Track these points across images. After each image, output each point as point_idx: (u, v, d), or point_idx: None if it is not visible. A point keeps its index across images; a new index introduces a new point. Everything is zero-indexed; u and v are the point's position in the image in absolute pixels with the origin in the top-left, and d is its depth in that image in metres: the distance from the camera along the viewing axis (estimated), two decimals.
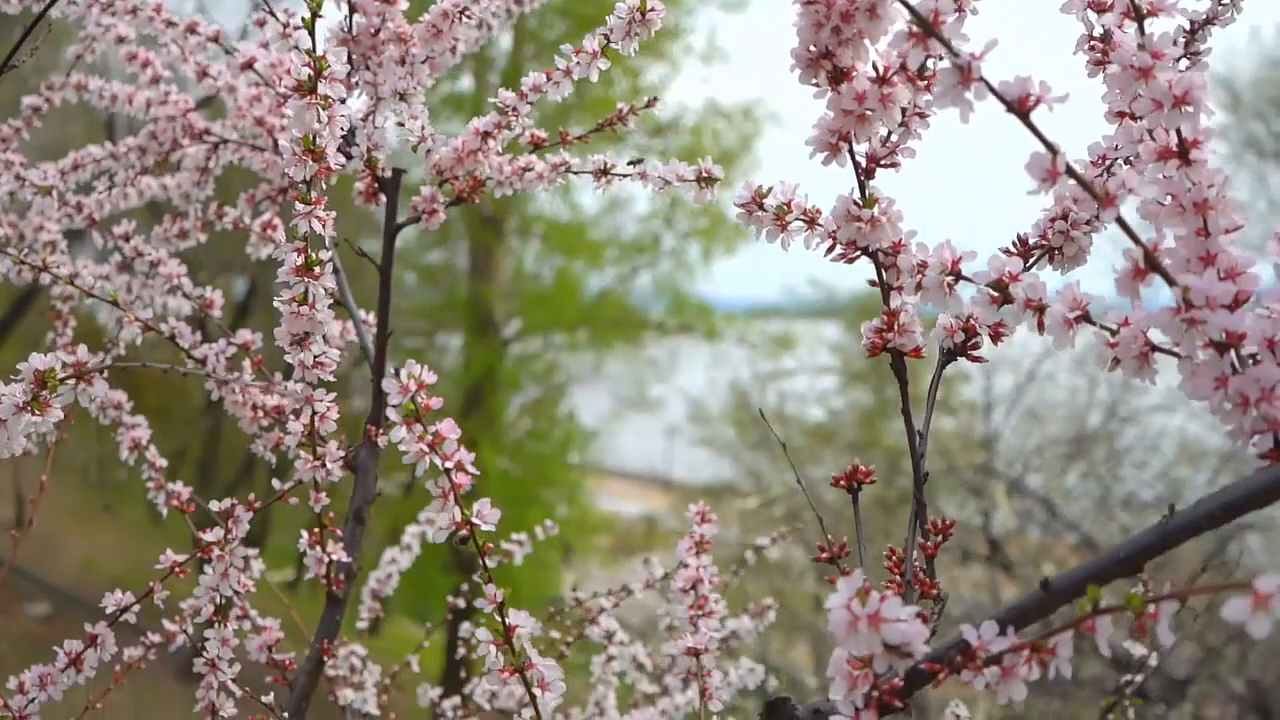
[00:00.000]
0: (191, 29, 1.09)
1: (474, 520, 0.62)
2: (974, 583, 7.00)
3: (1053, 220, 0.67)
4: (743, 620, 1.42)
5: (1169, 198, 0.53)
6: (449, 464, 0.61)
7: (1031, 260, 0.68)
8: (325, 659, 0.98)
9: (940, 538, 0.62)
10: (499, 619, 0.64)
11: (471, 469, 0.62)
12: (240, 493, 1.00)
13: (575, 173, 0.95)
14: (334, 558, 0.96)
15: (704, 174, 0.82)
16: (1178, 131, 0.53)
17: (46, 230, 1.26)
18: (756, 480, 9.54)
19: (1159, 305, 0.53)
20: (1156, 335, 0.54)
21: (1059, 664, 0.49)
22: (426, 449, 0.61)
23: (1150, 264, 0.51)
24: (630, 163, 0.95)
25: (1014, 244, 0.68)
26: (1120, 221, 0.51)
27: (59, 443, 1.26)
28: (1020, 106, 0.50)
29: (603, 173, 0.93)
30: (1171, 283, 0.51)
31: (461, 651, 1.35)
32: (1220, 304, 0.50)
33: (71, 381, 0.66)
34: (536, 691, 0.63)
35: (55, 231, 1.26)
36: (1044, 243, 0.68)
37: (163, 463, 1.09)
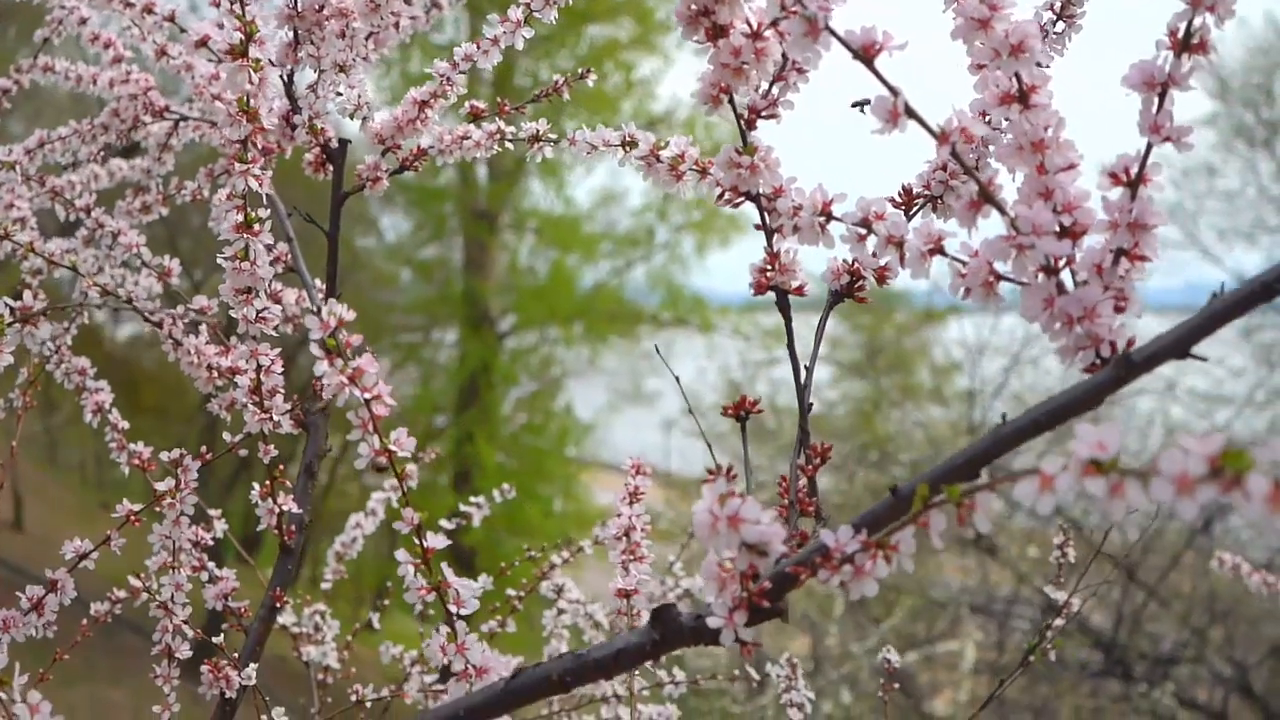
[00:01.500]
0: (148, 9, 1.13)
1: (391, 447, 0.67)
2: (965, 569, 7.07)
3: (934, 170, 0.72)
4: (695, 579, 1.47)
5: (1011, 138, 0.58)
6: (369, 395, 0.66)
7: (915, 208, 0.73)
8: (278, 606, 1.03)
9: (820, 460, 0.67)
10: (417, 541, 0.69)
11: (389, 400, 0.67)
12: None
13: (511, 140, 1.00)
14: (285, 509, 1.01)
15: (628, 139, 0.87)
16: (1017, 77, 0.58)
17: (16, 208, 1.31)
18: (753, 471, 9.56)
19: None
20: (1001, 266, 0.59)
21: (901, 559, 0.54)
22: (347, 381, 0.66)
23: (985, 197, 0.56)
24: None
25: (899, 193, 0.73)
26: (956, 157, 0.56)
27: (27, 410, 1.30)
28: (866, 54, 0.55)
29: (535, 139, 0.98)
30: (1004, 213, 0.56)
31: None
32: (1046, 231, 0.55)
33: (18, 325, 0.71)
34: (452, 608, 0.69)
35: (25, 209, 1.31)
36: (926, 191, 0.72)
37: (125, 425, 1.14)
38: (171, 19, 1.14)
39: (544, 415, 11.96)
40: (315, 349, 0.66)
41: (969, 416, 8.00)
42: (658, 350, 1.03)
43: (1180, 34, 0.56)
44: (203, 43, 1.08)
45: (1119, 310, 0.56)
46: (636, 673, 1.11)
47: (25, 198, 1.30)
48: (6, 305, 0.71)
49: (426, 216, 11.90)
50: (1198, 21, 0.56)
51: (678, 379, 0.92)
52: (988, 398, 7.79)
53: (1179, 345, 0.52)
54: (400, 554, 0.69)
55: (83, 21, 1.24)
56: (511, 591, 1.33)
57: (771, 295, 0.72)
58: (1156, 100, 0.56)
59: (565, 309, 11.71)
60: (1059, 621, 1.10)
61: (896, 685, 1.17)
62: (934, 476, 0.55)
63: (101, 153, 1.23)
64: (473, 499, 1.45)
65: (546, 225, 12.13)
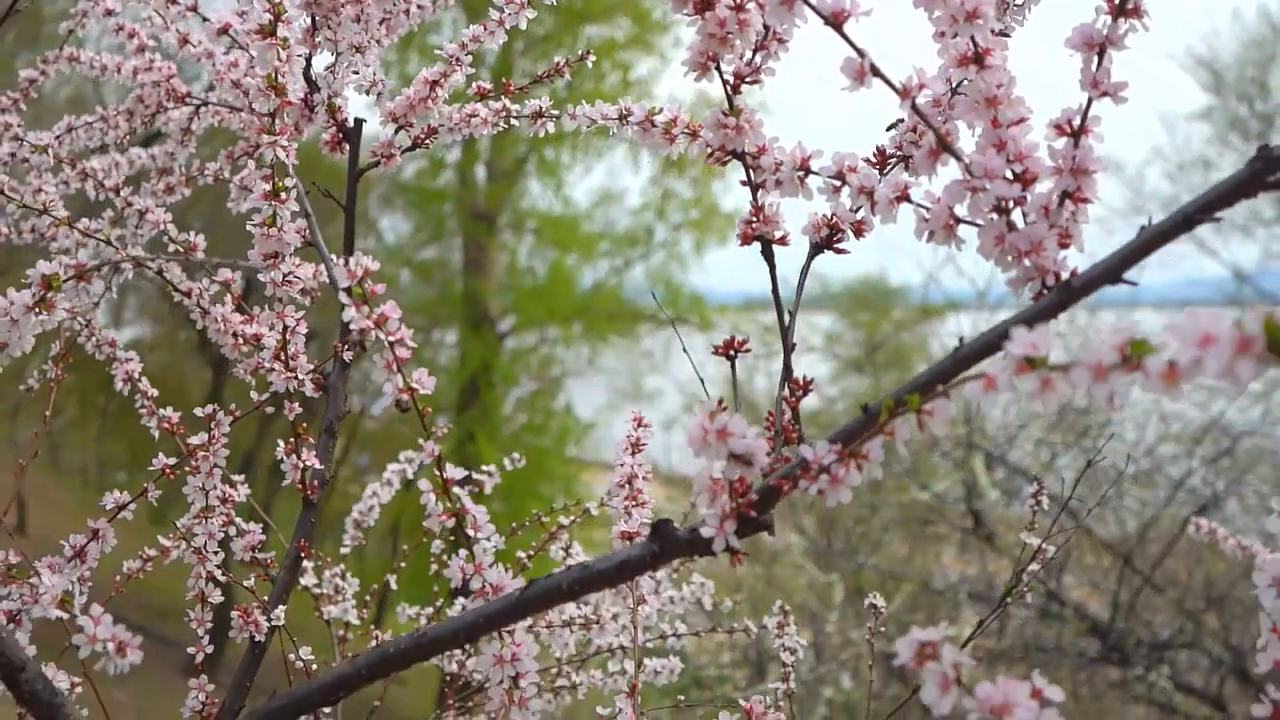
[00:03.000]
0: (171, 0, 1.20)
1: (414, 385, 0.74)
2: (964, 560, 7.15)
3: (904, 132, 0.79)
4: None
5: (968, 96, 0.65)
6: (393, 339, 0.73)
7: (889, 166, 0.80)
8: (302, 556, 1.10)
9: (802, 392, 0.74)
10: (437, 472, 0.76)
11: (411, 343, 0.74)
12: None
13: (516, 118, 1.07)
14: (309, 465, 1.08)
15: (624, 111, 0.94)
16: (973, 41, 0.65)
17: (44, 192, 1.38)
18: None
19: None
20: (960, 210, 0.66)
21: (870, 467, 0.61)
22: (373, 325, 0.73)
23: (942, 145, 0.63)
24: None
25: (874, 153, 0.80)
26: (917, 110, 0.63)
27: (58, 383, 1.37)
28: (836, 20, 0.62)
29: (538, 115, 1.05)
30: (960, 160, 0.63)
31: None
32: (998, 175, 0.62)
33: (73, 281, 0.77)
34: (471, 532, 0.76)
35: (53, 193, 1.38)
36: (898, 151, 0.79)
37: (154, 392, 1.21)
38: (194, 9, 1.20)
39: (544, 415, 12.02)
40: (344, 297, 0.73)
41: (969, 417, 8.06)
42: (673, 324, 1.09)
43: (1119, 0, 0.63)
44: (224, 30, 1.16)
45: (1064, 246, 0.63)
46: (641, 626, 1.18)
47: (51, 183, 1.37)
48: (61, 263, 0.77)
49: (426, 218, 11.96)
50: None
51: (701, 377, 0.96)
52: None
53: (1111, 273, 0.59)
54: (423, 483, 0.76)
55: (109, 13, 1.30)
56: (521, 553, 1.40)
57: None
58: (1096, 58, 0.63)
59: (564, 309, 11.78)
60: (1034, 566, 1.17)
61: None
62: (899, 393, 0.62)
63: (127, 138, 1.30)
64: (484, 467, 1.52)
65: (545, 225, 12.20)
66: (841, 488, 0.63)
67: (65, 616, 0.74)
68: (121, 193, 1.24)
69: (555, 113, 1.03)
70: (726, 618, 1.47)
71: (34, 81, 1.43)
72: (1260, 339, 0.39)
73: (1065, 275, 0.61)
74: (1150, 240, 0.58)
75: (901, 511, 6.98)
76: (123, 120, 1.31)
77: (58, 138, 1.30)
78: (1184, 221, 0.57)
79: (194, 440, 1.00)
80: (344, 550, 1.55)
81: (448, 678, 1.46)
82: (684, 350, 1.07)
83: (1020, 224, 0.63)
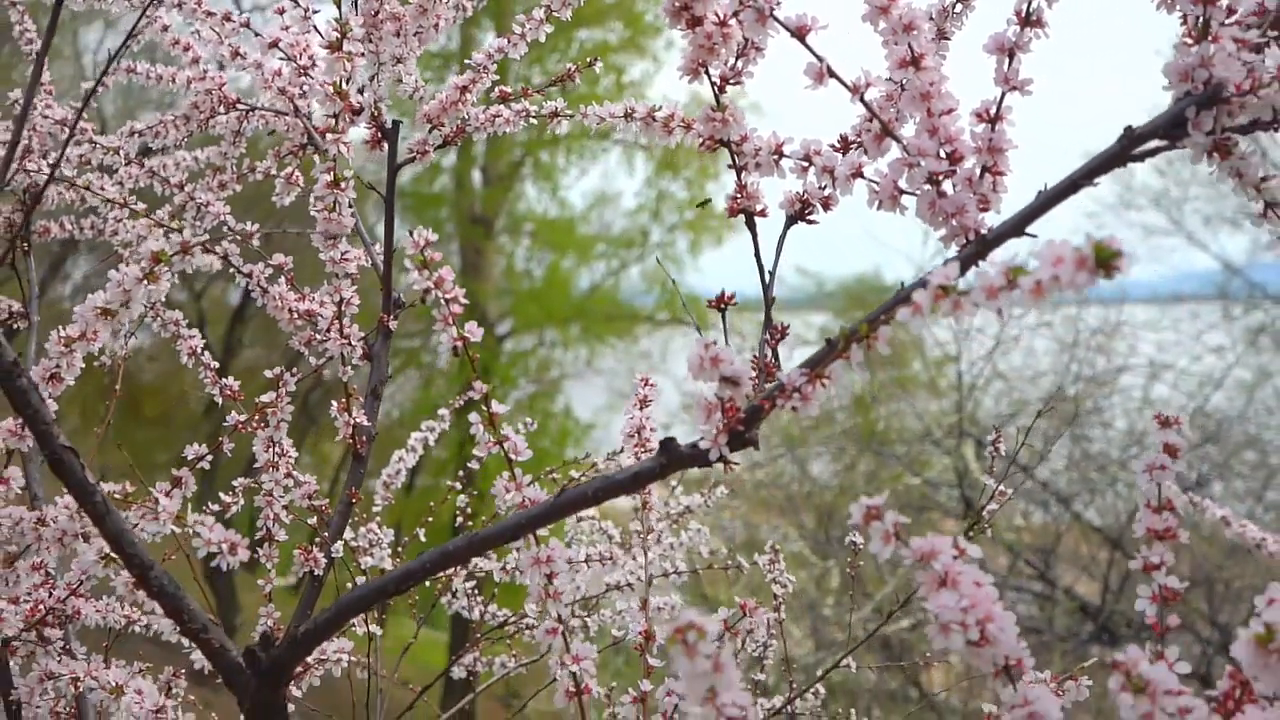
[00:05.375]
0: (226, 18, 1.37)
1: (465, 334, 0.90)
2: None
3: (862, 122, 0.95)
4: (694, 497, 1.71)
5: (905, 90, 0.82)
6: (448, 296, 0.90)
7: (851, 151, 0.96)
8: (353, 501, 1.26)
9: (780, 336, 0.91)
10: (485, 408, 0.92)
11: (463, 300, 0.90)
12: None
13: (534, 118, 1.24)
14: (358, 422, 1.25)
15: (629, 110, 1.11)
16: (910, 47, 0.81)
17: (105, 190, 1.54)
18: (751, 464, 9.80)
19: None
20: (903, 183, 0.83)
21: (832, 385, 0.78)
22: (433, 285, 0.89)
23: (885, 131, 0.79)
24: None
25: (838, 139, 0.97)
26: (865, 105, 0.79)
27: (122, 365, 1.54)
28: (800, 33, 0.79)
29: (554, 115, 1.22)
30: (899, 142, 0.79)
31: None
32: (929, 154, 0.78)
33: (179, 256, 0.94)
34: (512, 456, 0.92)
35: (114, 191, 1.55)
36: (858, 139, 0.96)
37: (215, 364, 1.37)
38: (246, 25, 1.37)
39: (543, 417, 12.16)
40: (409, 262, 0.89)
41: (960, 405, 8.25)
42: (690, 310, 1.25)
43: (1024, 13, 0.80)
44: (274, 44, 1.32)
45: (983, 209, 0.79)
46: (650, 562, 1.34)
47: (111, 183, 1.54)
48: (168, 238, 0.93)
49: (423, 222, 12.08)
50: (1035, 4, 0.80)
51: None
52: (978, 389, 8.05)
53: (1016, 228, 0.75)
54: (473, 416, 0.92)
55: (165, 29, 1.47)
56: None
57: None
58: (1007, 59, 0.80)
59: (562, 311, 11.93)
60: (992, 506, 1.33)
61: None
62: (853, 326, 0.78)
63: (184, 140, 1.46)
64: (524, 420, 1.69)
65: (542, 228, 12.35)
66: (810, 403, 0.79)
67: (178, 531, 0.91)
68: (185, 188, 1.40)
69: (569, 113, 1.20)
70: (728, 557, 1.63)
71: (94, 93, 1.59)
72: (1091, 258, 0.56)
73: (984, 233, 0.77)
74: (1044, 202, 0.74)
75: (896, 499, 7.16)
76: (180, 124, 1.47)
77: (125, 140, 1.46)
78: (1071, 185, 0.74)
79: (263, 398, 1.16)
80: (375, 509, 1.71)
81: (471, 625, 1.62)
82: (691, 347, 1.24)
83: (950, 192, 0.79)
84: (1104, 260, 0.56)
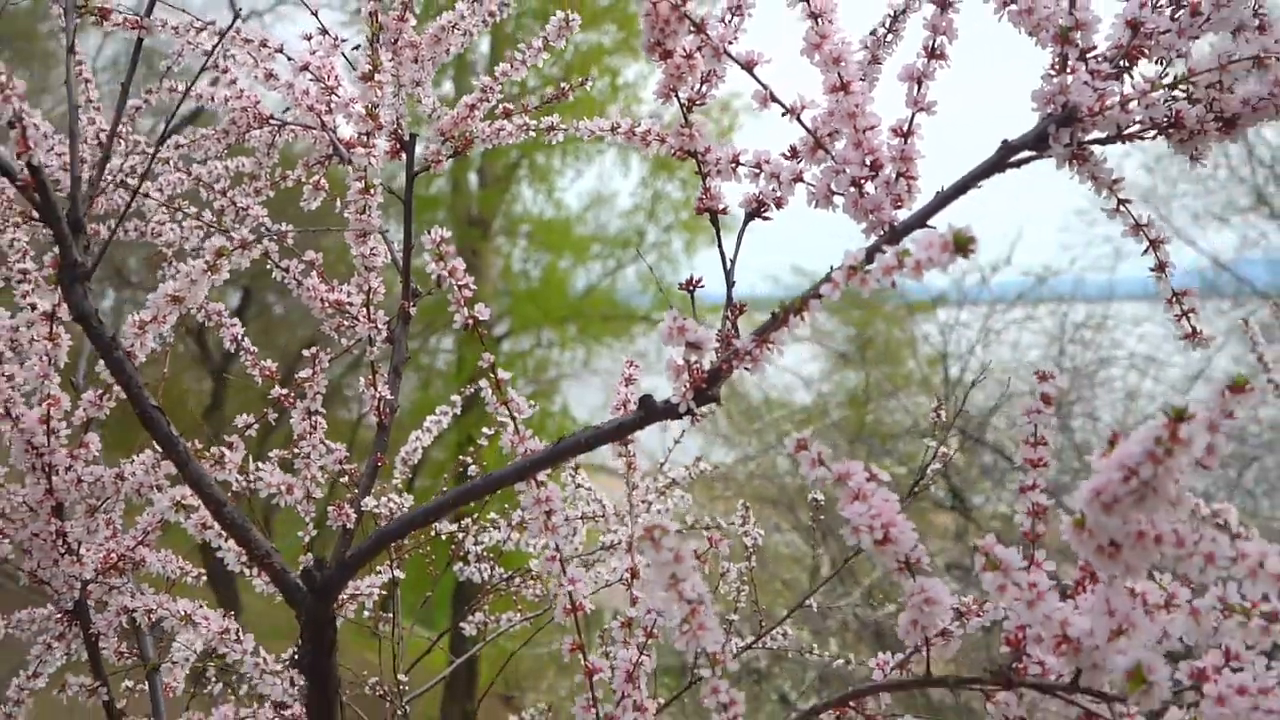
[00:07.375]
0: (263, 44, 1.56)
1: (475, 314, 1.09)
2: (942, 531, 7.53)
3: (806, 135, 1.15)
4: (679, 469, 1.90)
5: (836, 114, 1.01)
6: (460, 282, 1.09)
7: (798, 159, 1.15)
8: (379, 466, 1.45)
9: (740, 311, 1.10)
10: (493, 374, 1.11)
11: (472, 286, 1.09)
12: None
13: (534, 131, 1.43)
14: (383, 395, 1.44)
15: (615, 125, 1.30)
16: (839, 75, 1.01)
17: (151, 196, 1.73)
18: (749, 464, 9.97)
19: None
20: (834, 186, 1.02)
21: (777, 348, 0.96)
22: (446, 275, 1.08)
23: (818, 144, 0.99)
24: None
25: (788, 149, 1.16)
26: (801, 123, 0.98)
27: (169, 353, 1.72)
28: (748, 65, 0.98)
29: (552, 129, 1.41)
30: (828, 153, 0.98)
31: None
32: (854, 162, 0.97)
33: (239, 250, 1.13)
34: (515, 414, 1.11)
35: (158, 196, 1.73)
36: (800, 149, 1.15)
37: (254, 350, 1.56)
38: (280, 50, 1.56)
39: (541, 417, 12.32)
40: (427, 255, 1.08)
41: (949, 400, 8.44)
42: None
43: (930, 47, 0.99)
44: (304, 67, 1.51)
45: (897, 207, 0.98)
46: (637, 519, 1.52)
47: (156, 188, 1.73)
48: (227, 235, 1.12)
49: (420, 225, 12.20)
50: (939, 40, 0.99)
51: None
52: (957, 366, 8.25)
53: (924, 216, 0.94)
54: (482, 382, 1.11)
55: (207, 54, 1.66)
56: None
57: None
58: (916, 86, 0.99)
59: (559, 311, 12.11)
60: (935, 466, 1.52)
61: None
62: (790, 301, 0.97)
63: (225, 151, 1.65)
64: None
65: (538, 229, 12.52)
66: (760, 364, 0.98)
67: (243, 481, 1.10)
68: (228, 194, 1.59)
69: (564, 126, 1.39)
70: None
71: (139, 109, 1.78)
72: (952, 242, 0.75)
73: (899, 226, 0.97)
74: (941, 200, 0.93)
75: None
76: (219, 138, 1.66)
77: (172, 151, 1.65)
78: (961, 187, 0.93)
79: (300, 374, 1.35)
80: (394, 482, 1.90)
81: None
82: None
83: (871, 193, 0.99)
84: (961, 245, 0.75)
